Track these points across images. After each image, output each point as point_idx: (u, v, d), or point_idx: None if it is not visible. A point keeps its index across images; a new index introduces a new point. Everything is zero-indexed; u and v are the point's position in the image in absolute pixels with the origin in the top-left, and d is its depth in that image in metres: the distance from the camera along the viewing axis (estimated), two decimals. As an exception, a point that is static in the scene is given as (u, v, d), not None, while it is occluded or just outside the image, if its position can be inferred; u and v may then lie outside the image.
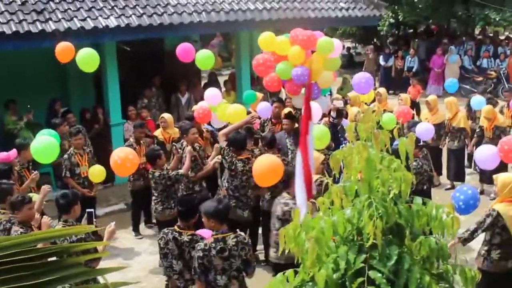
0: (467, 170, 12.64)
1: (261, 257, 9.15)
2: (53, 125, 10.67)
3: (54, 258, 2.20)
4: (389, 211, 3.24)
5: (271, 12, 13.96)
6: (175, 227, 6.29)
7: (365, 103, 12.17)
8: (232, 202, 8.34)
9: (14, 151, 8.96)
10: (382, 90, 13.61)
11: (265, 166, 7.31)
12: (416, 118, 12.84)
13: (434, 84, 22.10)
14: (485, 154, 7.58)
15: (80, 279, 2.15)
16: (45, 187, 7.36)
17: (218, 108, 10.00)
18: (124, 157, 7.85)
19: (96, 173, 9.19)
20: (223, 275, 5.75)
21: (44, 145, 8.10)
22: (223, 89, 15.58)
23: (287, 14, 14.21)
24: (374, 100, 12.85)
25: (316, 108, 9.89)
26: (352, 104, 12.23)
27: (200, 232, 6.27)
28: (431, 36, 26.82)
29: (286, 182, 7.28)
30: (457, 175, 12.17)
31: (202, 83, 17.28)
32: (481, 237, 6.80)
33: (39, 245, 2.23)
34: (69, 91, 14.45)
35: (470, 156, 12.40)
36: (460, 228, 3.43)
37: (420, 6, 22.41)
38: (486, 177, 11.03)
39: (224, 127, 9.68)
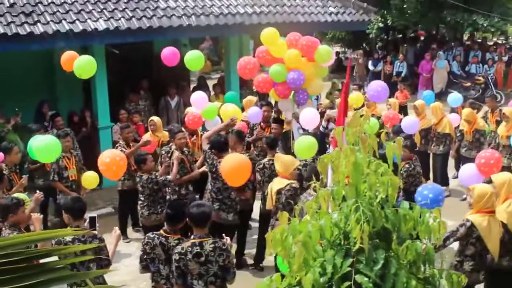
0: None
1: (249, 261, 9.15)
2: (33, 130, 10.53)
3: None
4: (376, 215, 3.24)
5: (261, 16, 13.98)
6: (161, 231, 6.25)
7: (354, 108, 12.19)
8: (216, 205, 8.33)
9: (1, 155, 8.90)
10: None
11: (232, 165, 7.38)
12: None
13: (423, 89, 22.19)
14: (469, 174, 7.68)
15: (65, 282, 2.13)
16: (38, 195, 7.30)
17: (206, 113, 10.03)
18: (112, 159, 7.85)
19: (89, 179, 9.16)
20: (199, 280, 5.68)
21: (46, 143, 8.07)
22: (212, 92, 15.59)
23: (276, 18, 14.24)
24: (363, 105, 12.87)
25: (314, 115, 9.90)
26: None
27: None
28: (418, 42, 26.94)
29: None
30: (442, 180, 12.22)
31: (191, 86, 17.26)
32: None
33: (40, 246, 2.22)
34: (57, 94, 14.37)
35: (457, 161, 12.46)
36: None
37: (409, 11, 22.50)
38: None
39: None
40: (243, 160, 7.56)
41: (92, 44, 12.01)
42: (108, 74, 12.73)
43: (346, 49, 33.14)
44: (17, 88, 13.20)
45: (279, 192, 7.75)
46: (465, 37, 28.44)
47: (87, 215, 6.45)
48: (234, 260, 6.40)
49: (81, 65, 9.07)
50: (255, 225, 9.57)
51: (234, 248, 7.92)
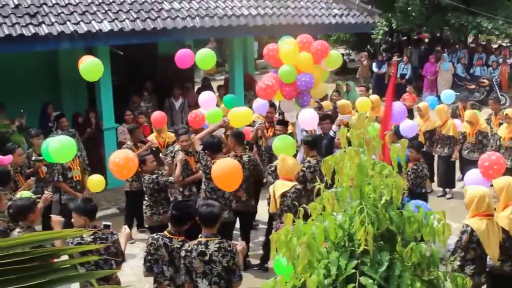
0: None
1: (253, 261, 9.15)
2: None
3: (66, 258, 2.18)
4: (381, 217, 3.24)
5: (265, 18, 13.98)
6: (166, 232, 6.25)
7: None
8: None
9: (10, 156, 8.88)
10: (375, 97, 13.62)
11: (223, 171, 7.43)
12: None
13: (427, 92, 22.16)
14: (474, 181, 7.63)
15: (70, 283, 2.13)
16: (47, 195, 7.31)
17: (210, 117, 10.04)
18: (125, 159, 7.91)
19: (96, 183, 9.18)
20: (203, 279, 5.70)
21: (62, 144, 8.10)
22: (217, 94, 15.58)
23: (281, 20, 14.25)
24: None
25: (313, 116, 9.92)
26: (342, 112, 12.21)
27: None
28: (422, 44, 26.90)
29: None
30: (447, 182, 12.21)
31: (196, 88, 17.28)
32: None
33: (57, 244, 2.21)
34: (62, 95, 14.40)
35: (460, 163, 12.43)
36: (451, 235, 3.43)
37: (413, 14, 22.48)
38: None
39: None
40: (234, 165, 7.57)
41: (96, 45, 12.03)
42: (113, 75, 12.75)
43: (350, 51, 33.12)
44: (22, 89, 13.24)
45: (283, 195, 7.75)
46: (470, 40, 28.40)
47: (102, 223, 6.48)
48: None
49: (88, 67, 9.09)
50: (262, 226, 9.58)
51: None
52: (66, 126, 11.72)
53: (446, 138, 12.03)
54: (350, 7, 16.42)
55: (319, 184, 3.60)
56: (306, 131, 10.29)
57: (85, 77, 9.26)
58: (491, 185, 7.14)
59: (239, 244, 6.02)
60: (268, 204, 8.12)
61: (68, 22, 11.29)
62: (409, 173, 9.10)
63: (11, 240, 2.10)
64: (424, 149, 11.53)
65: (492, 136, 12.00)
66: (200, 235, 5.85)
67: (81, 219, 6.18)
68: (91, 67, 9.13)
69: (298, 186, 7.87)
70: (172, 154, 9.40)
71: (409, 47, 26.06)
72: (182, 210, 6.25)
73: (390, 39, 27.92)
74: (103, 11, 11.95)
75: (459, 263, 6.63)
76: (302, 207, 3.58)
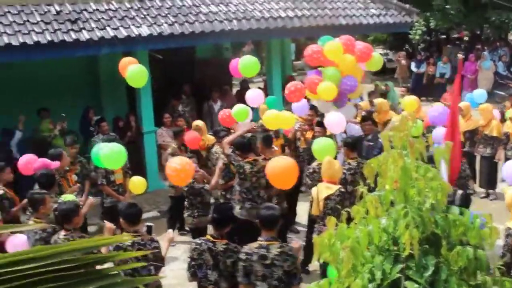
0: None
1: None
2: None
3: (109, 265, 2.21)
4: (425, 220, 3.20)
5: (302, 20, 13.94)
6: (208, 236, 6.27)
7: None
8: (247, 204, 8.40)
9: (57, 162, 8.99)
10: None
11: (279, 168, 7.39)
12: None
13: (468, 91, 21.81)
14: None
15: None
16: (92, 200, 7.43)
17: (238, 114, 10.09)
18: (182, 165, 7.98)
19: (137, 184, 9.28)
20: (263, 282, 5.71)
21: (113, 150, 8.25)
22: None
23: (318, 21, 14.18)
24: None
25: (340, 118, 9.84)
26: (379, 111, 12.10)
27: None
28: (462, 42, 26.52)
29: None
30: (489, 183, 11.98)
31: (234, 90, 17.33)
32: None
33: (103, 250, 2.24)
34: (102, 99, 14.63)
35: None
36: (499, 238, 3.37)
37: (452, 12, 22.18)
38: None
39: None
40: (289, 163, 7.55)
41: (135, 49, 12.16)
42: (152, 79, 12.87)
43: (388, 51, 32.86)
44: (63, 94, 13.47)
45: (328, 198, 7.70)
46: (510, 37, 27.88)
47: (145, 224, 6.54)
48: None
49: (134, 74, 9.20)
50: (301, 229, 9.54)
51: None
52: (107, 130, 11.88)
53: (490, 138, 11.79)
54: (388, 6, 16.27)
55: (361, 188, 3.58)
56: (345, 133, 10.23)
57: (131, 83, 9.37)
58: None
59: (295, 242, 6.02)
60: (311, 206, 8.08)
61: (108, 27, 11.44)
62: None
63: (61, 247, 2.13)
64: (465, 149, 11.35)
65: None
66: (259, 238, 5.86)
67: (123, 222, 6.28)
68: (137, 73, 9.23)
69: (342, 189, 7.83)
70: (217, 155, 9.56)
71: (448, 45, 25.71)
72: (222, 212, 6.27)
73: (428, 38, 27.60)
74: (142, 16, 12.08)
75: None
76: (345, 211, 3.56)
